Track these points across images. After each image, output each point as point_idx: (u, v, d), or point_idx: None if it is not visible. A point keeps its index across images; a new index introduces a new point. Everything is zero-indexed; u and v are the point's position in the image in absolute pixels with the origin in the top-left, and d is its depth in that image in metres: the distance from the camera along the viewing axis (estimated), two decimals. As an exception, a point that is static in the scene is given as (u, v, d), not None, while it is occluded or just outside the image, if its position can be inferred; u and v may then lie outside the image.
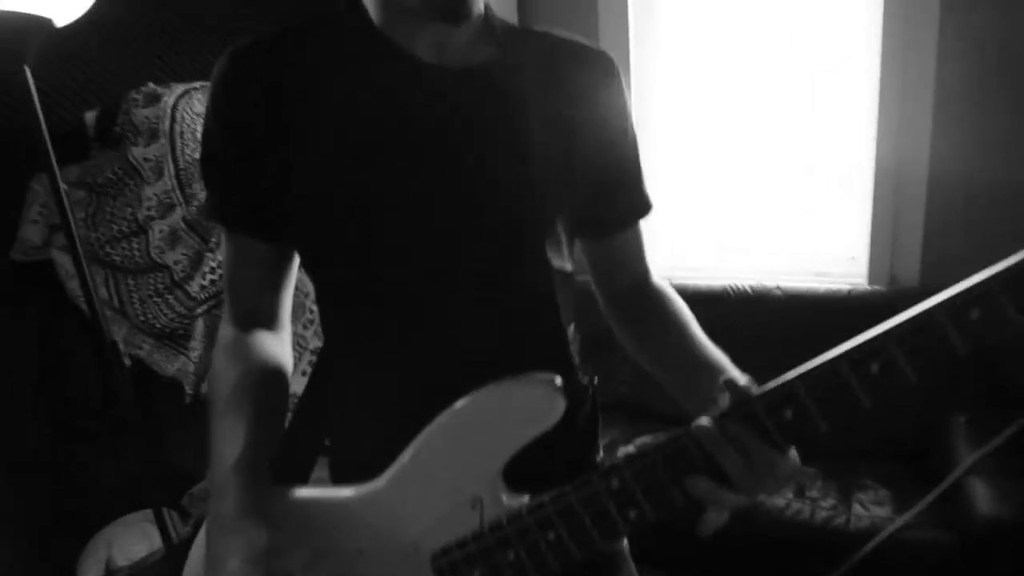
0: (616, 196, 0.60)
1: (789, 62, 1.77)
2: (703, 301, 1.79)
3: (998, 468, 1.26)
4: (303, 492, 0.53)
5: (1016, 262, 0.42)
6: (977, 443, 1.32)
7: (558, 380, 0.44)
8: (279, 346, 0.59)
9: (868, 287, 1.74)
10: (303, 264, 0.57)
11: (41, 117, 1.00)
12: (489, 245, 0.51)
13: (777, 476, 0.43)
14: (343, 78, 0.51)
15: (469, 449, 0.46)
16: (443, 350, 0.51)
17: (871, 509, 1.32)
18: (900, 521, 1.24)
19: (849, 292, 1.70)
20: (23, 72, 0.96)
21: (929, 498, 1.26)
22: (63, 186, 1.12)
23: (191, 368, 1.25)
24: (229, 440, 0.50)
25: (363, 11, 0.51)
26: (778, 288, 1.76)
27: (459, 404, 0.45)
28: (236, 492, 0.47)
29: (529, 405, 0.45)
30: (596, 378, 0.61)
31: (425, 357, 0.52)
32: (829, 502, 1.37)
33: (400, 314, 0.52)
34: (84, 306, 1.41)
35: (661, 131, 1.98)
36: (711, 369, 0.52)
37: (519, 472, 0.46)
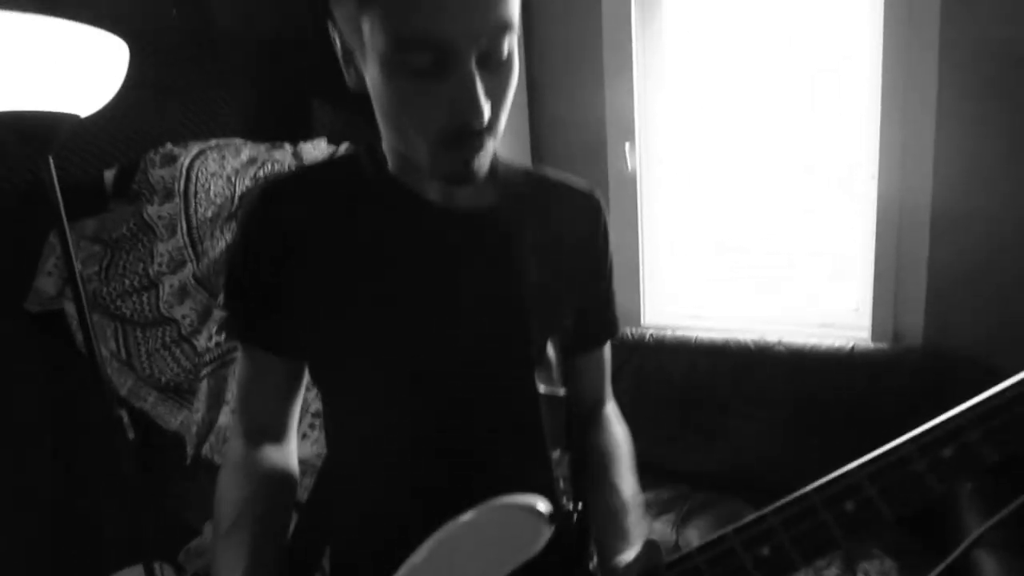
0: (589, 321, 0.65)
1: (788, 90, 1.80)
2: (704, 353, 1.83)
3: (1005, 542, 1.23)
4: None
5: (989, 397, 0.43)
6: (984, 513, 1.29)
7: (543, 507, 0.44)
8: (285, 459, 0.62)
9: (872, 345, 1.73)
10: (311, 374, 0.62)
11: (57, 188, 1.04)
12: (495, 362, 0.56)
13: None
14: (360, 218, 0.56)
15: (468, 567, 0.46)
16: (435, 464, 0.56)
17: (876, 580, 1.30)
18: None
19: (852, 349, 1.69)
20: (48, 161, 1.00)
21: (938, 570, 1.24)
22: (70, 238, 1.14)
23: (193, 428, 1.26)
24: (232, 563, 0.52)
25: (381, 157, 0.58)
26: (780, 343, 1.76)
27: (445, 529, 0.45)
28: None
29: (514, 532, 0.45)
30: (580, 504, 0.61)
31: (419, 467, 0.56)
32: (833, 571, 1.34)
33: (397, 425, 0.56)
34: (90, 358, 1.45)
35: (666, 182, 2.03)
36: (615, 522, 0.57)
37: None
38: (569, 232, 0.61)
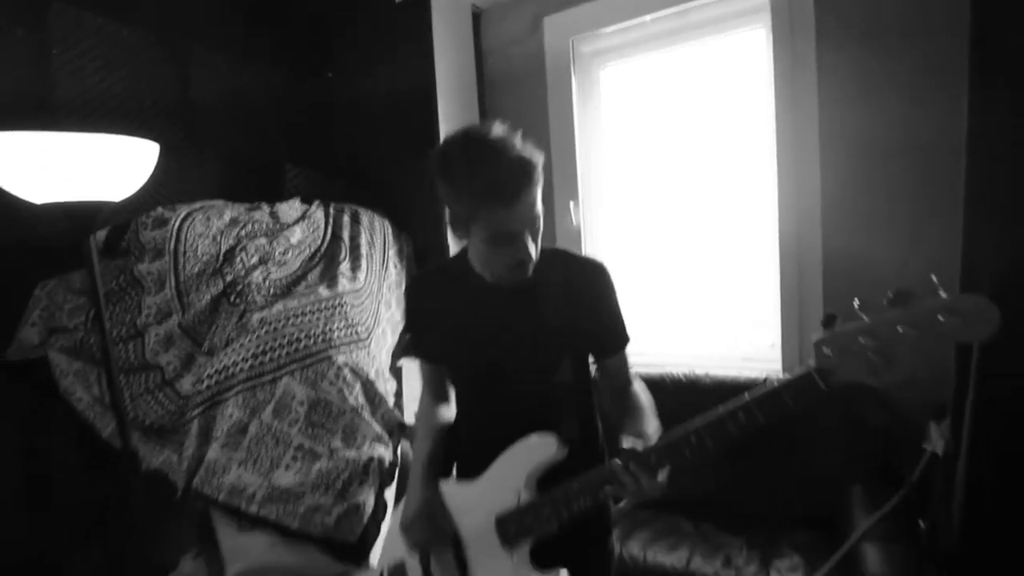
0: (605, 338, 1.09)
1: (703, 166, 2.12)
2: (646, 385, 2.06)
3: (887, 534, 1.48)
4: (445, 487, 1.06)
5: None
6: (871, 510, 1.55)
7: (554, 437, 0.96)
8: (445, 409, 1.16)
9: (781, 376, 1.99)
10: (448, 374, 1.16)
11: (98, 275, 1.21)
12: (529, 370, 1.03)
13: (650, 486, 0.87)
14: (458, 292, 1.06)
15: (514, 468, 0.96)
16: (508, 416, 1.03)
17: (786, 575, 1.51)
18: (808, 585, 1.43)
19: (765, 380, 1.95)
20: (88, 241, 1.19)
21: (829, 564, 1.47)
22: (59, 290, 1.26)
23: (183, 465, 1.37)
24: (416, 464, 1.08)
25: (468, 261, 1.04)
26: (707, 376, 2.02)
27: (511, 447, 0.96)
28: (415, 494, 1.04)
29: (542, 446, 0.95)
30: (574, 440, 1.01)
31: (499, 418, 1.04)
32: (751, 569, 1.55)
33: (487, 398, 1.07)
34: (75, 403, 1.54)
35: (610, 234, 2.30)
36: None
37: (550, 547, 0.96)
38: (583, 288, 1.04)
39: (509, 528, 0.95)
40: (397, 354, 1.78)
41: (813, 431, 1.81)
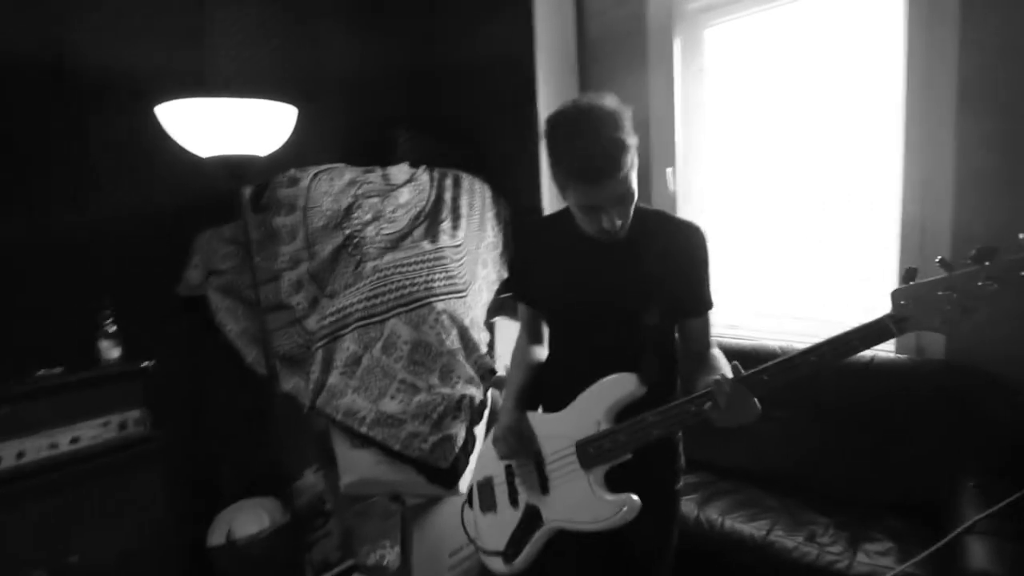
0: (692, 299, 1.14)
1: (820, 132, 1.97)
2: (734, 357, 2.00)
3: (1000, 530, 1.36)
4: (531, 415, 1.18)
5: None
6: (983, 507, 1.42)
7: (635, 376, 1.04)
8: (538, 349, 1.27)
9: (891, 355, 1.86)
10: (544, 316, 1.26)
11: (249, 223, 1.44)
12: (616, 316, 1.10)
13: (744, 405, 0.94)
14: (559, 241, 1.15)
15: (596, 402, 1.06)
16: (594, 356, 1.11)
17: (874, 559, 1.45)
18: (899, 568, 1.37)
19: (872, 359, 1.84)
20: (241, 191, 1.43)
21: (929, 551, 1.38)
22: (213, 238, 1.52)
23: (310, 386, 1.61)
24: (509, 389, 1.21)
25: (570, 214, 1.11)
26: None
27: (594, 384, 1.07)
28: (506, 413, 1.17)
29: (623, 383, 1.04)
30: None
31: (586, 358, 1.13)
32: (837, 548, 1.50)
33: (577, 339, 1.16)
34: (226, 333, 1.84)
35: (708, 202, 2.24)
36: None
37: (625, 474, 1.06)
38: (677, 248, 1.10)
39: (588, 451, 1.05)
40: (493, 308, 1.91)
41: (921, 420, 1.69)
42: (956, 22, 1.62)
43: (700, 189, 2.26)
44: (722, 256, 2.22)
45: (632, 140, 0.97)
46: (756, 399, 0.95)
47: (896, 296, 0.90)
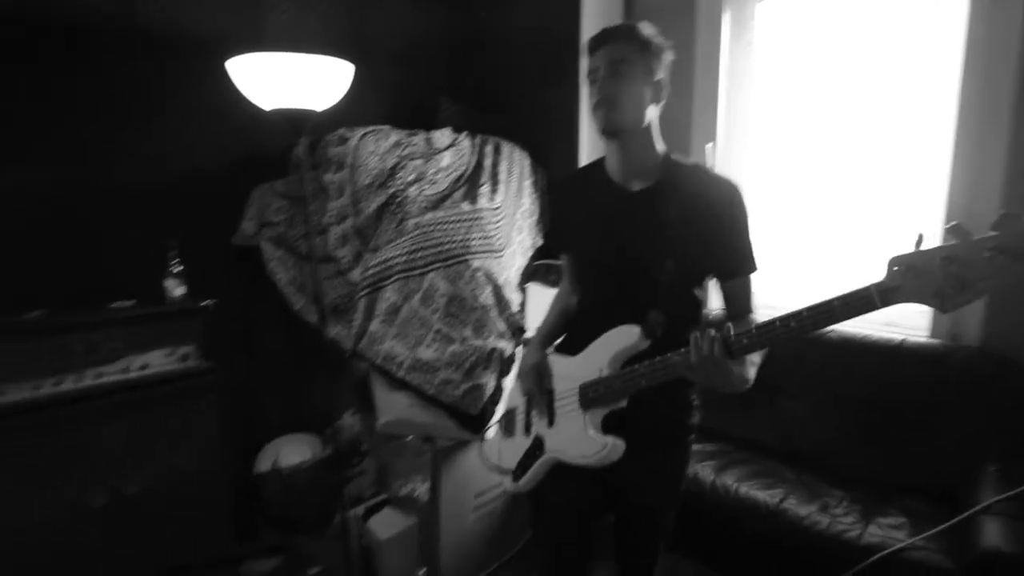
0: (727, 258, 1.11)
1: (867, 116, 1.94)
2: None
3: (1018, 513, 1.37)
4: (551, 356, 1.26)
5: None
6: (1002, 489, 1.43)
7: (638, 329, 1.07)
8: (570, 295, 1.31)
9: (923, 340, 1.85)
10: (572, 264, 1.30)
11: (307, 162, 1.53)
12: (634, 267, 1.11)
13: (717, 363, 0.94)
14: (589, 191, 1.20)
15: (602, 350, 1.12)
16: (609, 305, 1.14)
17: (887, 531, 1.48)
18: (909, 541, 1.40)
19: (902, 342, 1.83)
20: (300, 143, 1.55)
21: (942, 526, 1.41)
22: (265, 192, 1.64)
23: (353, 332, 1.73)
24: (539, 330, 1.32)
25: (602, 164, 1.19)
26: (834, 332, 1.93)
27: (604, 334, 1.12)
28: (531, 352, 1.27)
29: (626, 334, 1.09)
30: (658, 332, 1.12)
31: (603, 307, 1.17)
32: (849, 519, 1.54)
33: (597, 287, 1.20)
34: (277, 281, 1.97)
35: (749, 181, 2.23)
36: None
37: (636, 424, 1.12)
38: (711, 204, 1.08)
39: (588, 394, 1.12)
40: (526, 274, 1.98)
41: (949, 407, 1.68)
42: (1021, 14, 1.57)
43: (741, 166, 2.25)
44: (762, 235, 2.21)
45: (648, 30, 1.07)
46: (743, 367, 0.97)
47: (892, 263, 0.83)
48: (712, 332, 0.94)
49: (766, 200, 2.21)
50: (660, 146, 1.14)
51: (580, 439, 1.11)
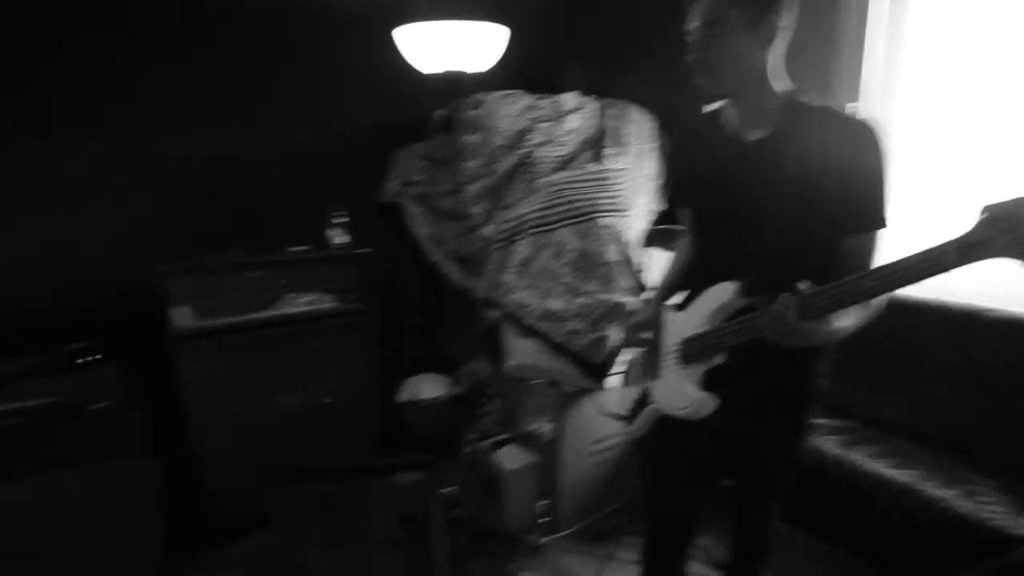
0: (847, 209, 0.97)
1: None
2: (910, 314, 1.87)
3: None
4: (666, 311, 1.26)
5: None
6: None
7: (734, 286, 1.05)
8: (691, 251, 1.29)
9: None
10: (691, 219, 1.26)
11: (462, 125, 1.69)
12: (737, 222, 1.07)
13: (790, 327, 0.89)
14: (711, 143, 1.13)
15: (704, 306, 1.13)
16: (716, 259, 1.13)
17: (1040, 521, 1.37)
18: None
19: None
20: (457, 104, 1.70)
21: None
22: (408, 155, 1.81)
23: (486, 282, 1.89)
24: (660, 284, 1.34)
25: (719, 115, 1.12)
26: (990, 311, 1.76)
27: (708, 290, 1.12)
28: (649, 305, 1.30)
29: (722, 292, 1.09)
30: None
31: (710, 261, 1.16)
32: (997, 508, 1.44)
33: (707, 241, 1.19)
34: (416, 236, 2.18)
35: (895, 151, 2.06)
36: None
37: (753, 387, 1.10)
38: (838, 149, 0.95)
39: (687, 349, 1.14)
40: (647, 238, 2.02)
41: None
42: None
43: (891, 132, 2.07)
44: (908, 204, 2.04)
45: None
46: (819, 325, 0.89)
47: (985, 211, 0.72)
48: (787, 295, 0.88)
49: (911, 174, 2.02)
50: (780, 87, 1.03)
51: (675, 392, 1.15)
